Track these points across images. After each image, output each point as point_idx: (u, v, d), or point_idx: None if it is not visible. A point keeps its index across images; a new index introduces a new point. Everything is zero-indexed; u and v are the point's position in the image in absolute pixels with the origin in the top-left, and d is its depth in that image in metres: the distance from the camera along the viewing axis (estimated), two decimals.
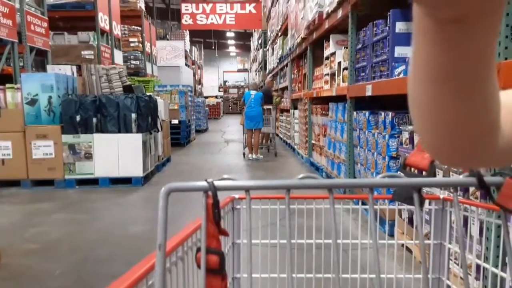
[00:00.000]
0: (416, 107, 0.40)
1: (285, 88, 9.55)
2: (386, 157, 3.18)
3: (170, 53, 15.66)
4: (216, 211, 0.49)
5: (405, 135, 2.90)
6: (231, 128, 15.18)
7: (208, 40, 29.52)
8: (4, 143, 4.99)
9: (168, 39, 17.24)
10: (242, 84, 30.37)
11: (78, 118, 4.99)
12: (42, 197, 4.65)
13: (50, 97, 4.98)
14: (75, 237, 3.27)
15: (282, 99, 9.86)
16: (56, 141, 5.02)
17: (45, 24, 6.74)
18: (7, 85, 5.11)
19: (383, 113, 3.31)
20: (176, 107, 9.33)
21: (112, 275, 2.27)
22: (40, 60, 7.18)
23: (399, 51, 3.11)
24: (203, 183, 0.48)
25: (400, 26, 3.10)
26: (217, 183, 0.48)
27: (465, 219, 1.18)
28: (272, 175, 5.95)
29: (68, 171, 5.08)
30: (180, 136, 9.38)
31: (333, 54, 4.89)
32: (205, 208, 0.49)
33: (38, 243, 3.12)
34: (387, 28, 3.21)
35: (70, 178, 5.08)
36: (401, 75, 2.93)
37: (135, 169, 5.15)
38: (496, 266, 1.10)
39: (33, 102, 4.97)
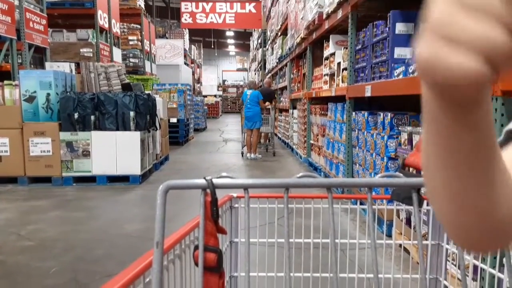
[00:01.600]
0: (435, 198, 0.40)
1: (284, 87, 9.55)
2: (385, 157, 3.18)
3: (169, 52, 15.64)
4: (214, 209, 0.49)
5: (404, 136, 2.90)
6: (230, 127, 15.17)
7: (208, 39, 29.49)
8: (2, 139, 4.97)
9: (167, 38, 17.19)
10: (241, 83, 30.36)
11: (76, 115, 4.97)
12: (39, 194, 4.64)
13: (48, 94, 4.96)
14: (71, 235, 3.26)
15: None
16: (54, 138, 5.00)
17: (44, 21, 6.72)
18: (5, 82, 5.09)
19: (382, 114, 3.31)
20: (174, 106, 9.32)
21: (107, 274, 2.27)
22: (39, 57, 7.16)
23: (398, 52, 3.11)
24: (202, 181, 0.48)
25: (400, 27, 3.10)
26: (215, 181, 0.48)
27: None
28: (271, 175, 5.95)
29: (66, 169, 5.07)
30: (178, 135, 9.37)
31: (333, 54, 4.89)
32: (203, 206, 0.48)
33: (34, 241, 3.11)
34: (387, 29, 3.21)
35: (68, 176, 5.07)
36: (401, 76, 2.93)
37: (133, 167, 5.14)
38: (494, 267, 1.10)
39: (31, 99, 4.95)
